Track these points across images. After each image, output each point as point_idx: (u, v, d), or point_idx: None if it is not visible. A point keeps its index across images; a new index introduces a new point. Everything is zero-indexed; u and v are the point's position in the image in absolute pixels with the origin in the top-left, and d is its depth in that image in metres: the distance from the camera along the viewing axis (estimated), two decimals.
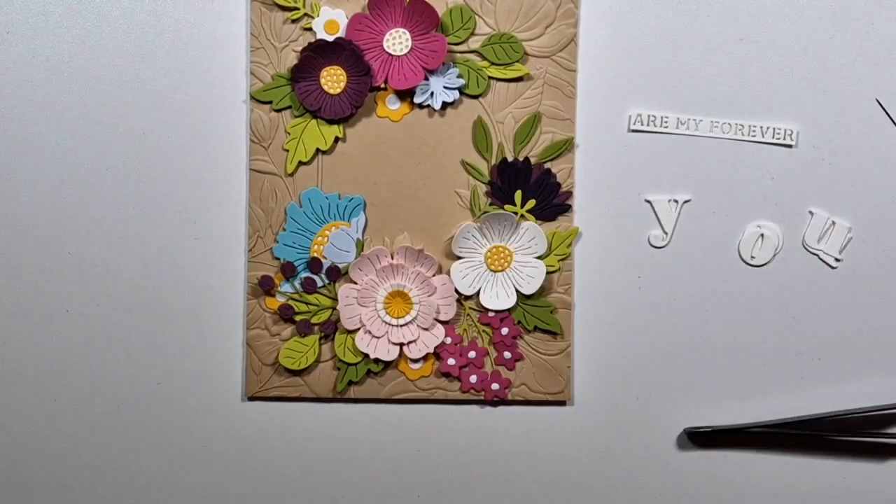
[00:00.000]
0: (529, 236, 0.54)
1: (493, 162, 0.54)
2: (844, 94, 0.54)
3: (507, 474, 0.55)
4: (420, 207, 0.54)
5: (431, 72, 0.53)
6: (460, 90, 0.53)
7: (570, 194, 0.54)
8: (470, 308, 0.55)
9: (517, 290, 0.54)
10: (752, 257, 0.55)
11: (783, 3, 0.54)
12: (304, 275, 0.54)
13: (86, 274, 0.54)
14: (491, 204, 0.54)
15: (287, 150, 0.54)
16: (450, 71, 0.53)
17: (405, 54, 0.53)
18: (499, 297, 0.54)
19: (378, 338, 0.54)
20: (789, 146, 0.54)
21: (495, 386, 0.55)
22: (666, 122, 0.54)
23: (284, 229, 0.54)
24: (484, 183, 0.54)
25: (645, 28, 0.54)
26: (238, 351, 0.55)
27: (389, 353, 0.54)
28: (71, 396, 0.55)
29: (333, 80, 0.53)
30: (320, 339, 0.55)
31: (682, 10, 0.54)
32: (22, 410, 0.55)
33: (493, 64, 0.53)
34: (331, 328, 0.54)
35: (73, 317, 0.54)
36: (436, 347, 0.54)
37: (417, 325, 0.54)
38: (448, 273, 0.54)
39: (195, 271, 0.54)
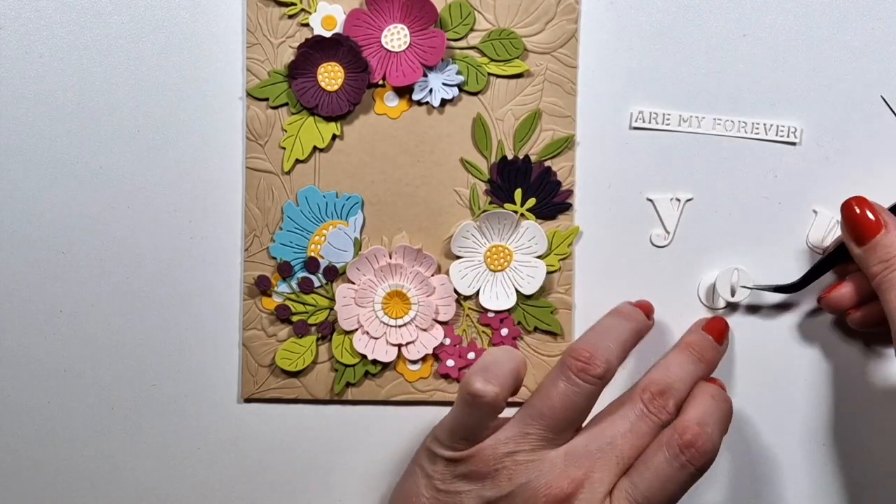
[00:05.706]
0: (529, 235, 0.54)
1: (493, 160, 0.53)
2: (849, 91, 0.53)
3: None
4: (418, 206, 0.54)
5: (430, 68, 0.53)
6: (459, 87, 0.53)
7: (570, 193, 0.54)
8: (469, 308, 0.54)
9: (517, 291, 0.54)
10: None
11: None
12: (300, 274, 0.54)
13: (79, 274, 0.54)
14: (490, 202, 0.54)
15: (284, 148, 0.53)
16: (449, 67, 0.53)
17: (403, 50, 0.52)
18: (498, 298, 0.54)
19: (376, 339, 0.54)
20: (793, 144, 0.54)
21: None
22: (668, 119, 0.54)
23: (281, 228, 0.53)
24: (483, 181, 0.54)
25: (647, 24, 0.53)
26: (234, 352, 0.54)
27: (388, 355, 0.54)
28: (64, 398, 0.54)
29: (331, 76, 0.52)
30: (317, 339, 0.54)
31: (685, 5, 0.53)
32: (14, 412, 0.54)
33: (492, 60, 0.53)
34: (328, 329, 0.54)
35: (67, 317, 0.54)
36: (435, 348, 0.54)
37: (416, 326, 0.54)
38: (447, 273, 0.54)
39: (190, 271, 0.54)
